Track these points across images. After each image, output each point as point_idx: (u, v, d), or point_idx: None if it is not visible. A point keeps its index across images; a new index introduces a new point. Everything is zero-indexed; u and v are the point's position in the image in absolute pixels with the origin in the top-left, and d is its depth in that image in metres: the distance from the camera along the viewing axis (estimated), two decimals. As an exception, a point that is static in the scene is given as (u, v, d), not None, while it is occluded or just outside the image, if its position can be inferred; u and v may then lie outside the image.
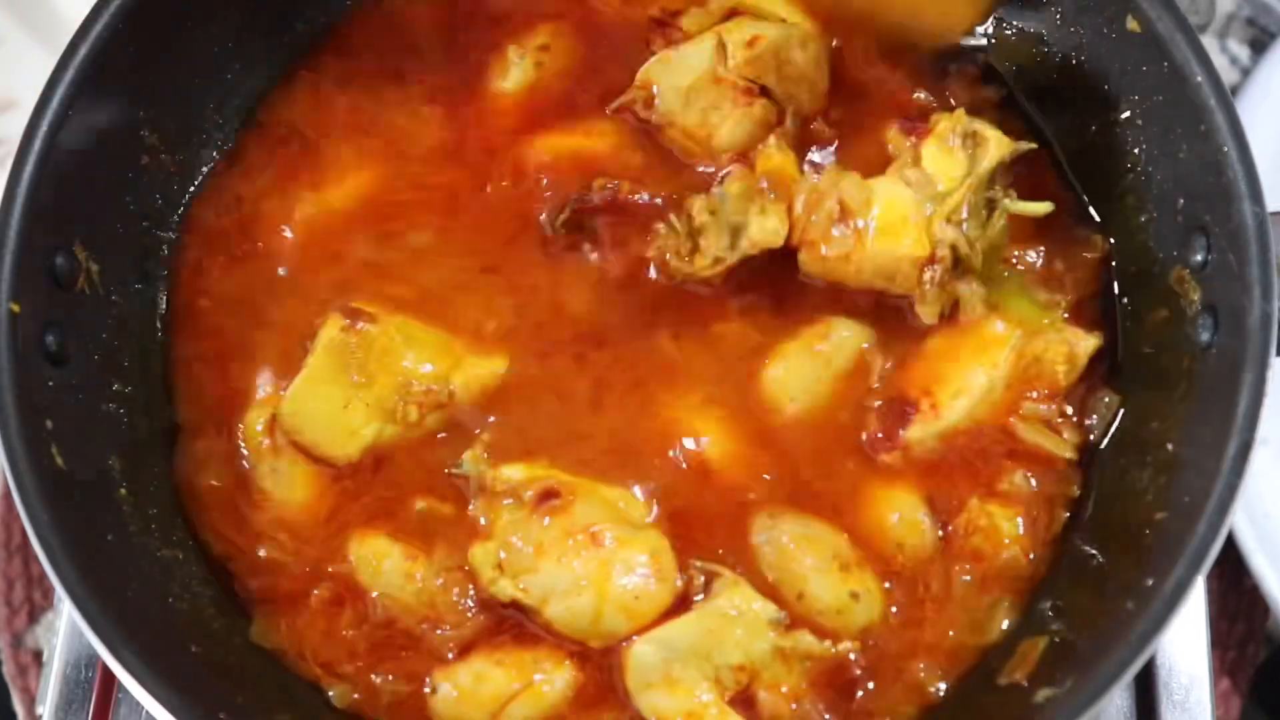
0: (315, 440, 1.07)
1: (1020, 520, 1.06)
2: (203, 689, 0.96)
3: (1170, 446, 1.02)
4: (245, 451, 1.09)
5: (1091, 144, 1.13)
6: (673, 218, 1.09)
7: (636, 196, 1.12)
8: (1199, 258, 1.02)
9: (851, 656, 1.02)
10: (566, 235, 1.12)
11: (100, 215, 1.09)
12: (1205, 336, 1.01)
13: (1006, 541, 1.05)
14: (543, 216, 1.13)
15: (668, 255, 1.09)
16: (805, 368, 1.09)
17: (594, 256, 1.12)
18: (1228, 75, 1.58)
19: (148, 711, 0.91)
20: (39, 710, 1.13)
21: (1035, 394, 1.07)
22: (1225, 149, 0.99)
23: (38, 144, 1.01)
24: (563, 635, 1.02)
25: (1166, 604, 0.92)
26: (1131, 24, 1.05)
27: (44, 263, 1.03)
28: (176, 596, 1.04)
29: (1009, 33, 1.18)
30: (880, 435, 1.07)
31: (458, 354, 1.09)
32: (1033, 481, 1.07)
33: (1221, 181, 0.99)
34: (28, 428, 0.96)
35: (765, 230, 1.06)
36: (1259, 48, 1.61)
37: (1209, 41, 1.60)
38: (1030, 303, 1.08)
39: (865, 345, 1.09)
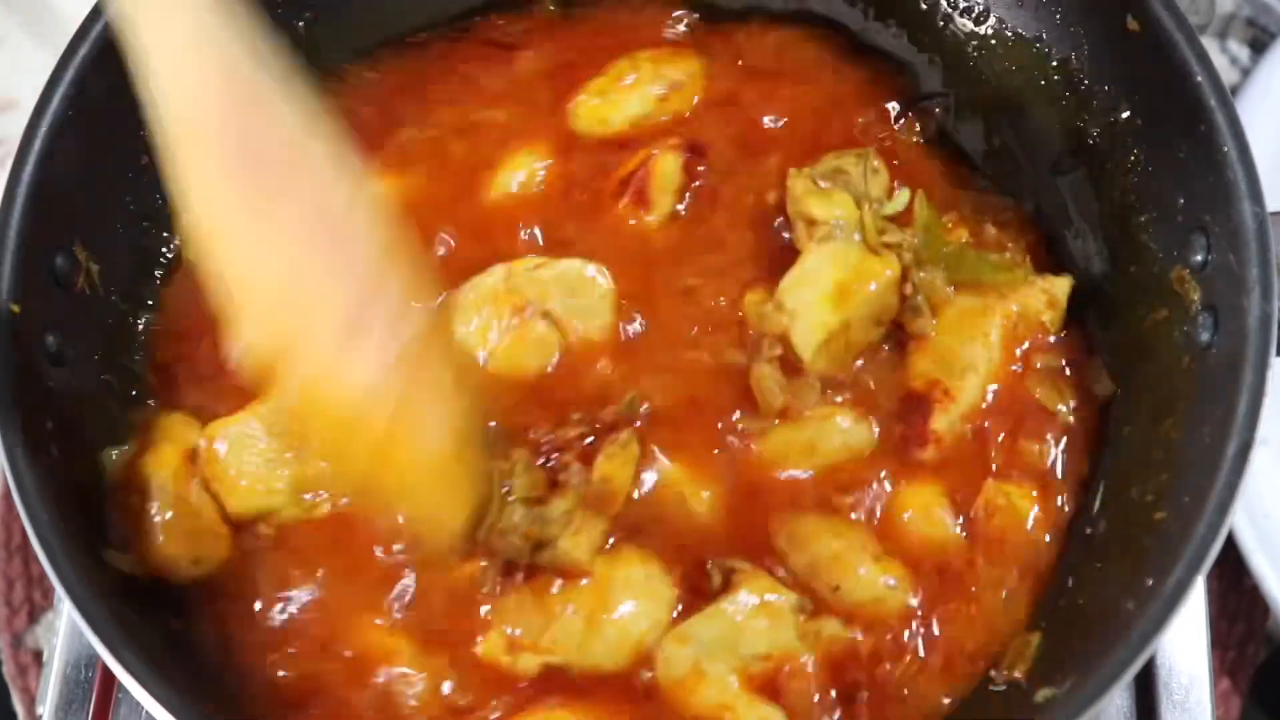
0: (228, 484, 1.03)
1: (1036, 497, 1.06)
2: (203, 689, 0.96)
3: (1170, 446, 1.02)
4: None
5: (1092, 144, 1.13)
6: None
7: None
8: (1199, 258, 1.02)
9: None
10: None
11: (100, 215, 1.09)
12: (1205, 336, 1.01)
13: (1024, 519, 1.05)
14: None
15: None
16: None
17: None
18: (1228, 75, 1.58)
19: (148, 711, 0.91)
20: (39, 710, 1.13)
21: (1030, 344, 1.08)
22: (1225, 149, 0.99)
23: (38, 144, 1.01)
24: (609, 672, 1.00)
25: (1166, 604, 0.91)
26: (1131, 24, 1.05)
27: (44, 263, 1.03)
28: (177, 596, 1.04)
29: (1009, 35, 1.18)
30: (910, 434, 1.07)
31: None
32: (1039, 450, 1.07)
33: (1221, 181, 0.99)
34: (28, 428, 0.96)
35: (579, 547, 1.00)
36: (1259, 48, 1.61)
37: (1209, 41, 1.60)
38: (988, 265, 1.09)
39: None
